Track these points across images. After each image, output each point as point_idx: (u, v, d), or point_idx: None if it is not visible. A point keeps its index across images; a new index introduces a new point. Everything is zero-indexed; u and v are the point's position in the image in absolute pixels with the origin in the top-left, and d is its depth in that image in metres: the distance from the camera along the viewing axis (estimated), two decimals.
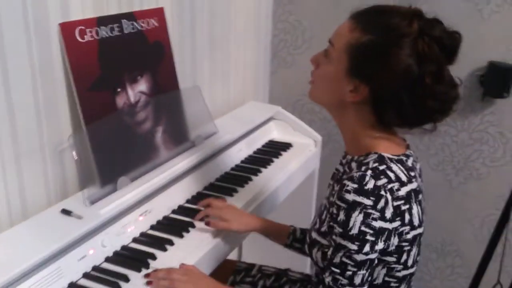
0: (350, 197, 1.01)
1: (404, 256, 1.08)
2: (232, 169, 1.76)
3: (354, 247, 1.01)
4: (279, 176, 1.74)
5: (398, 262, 1.08)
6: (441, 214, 2.28)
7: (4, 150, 1.17)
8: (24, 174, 1.22)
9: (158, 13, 1.58)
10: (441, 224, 2.29)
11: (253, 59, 2.26)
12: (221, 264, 1.50)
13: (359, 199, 1.00)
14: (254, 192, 1.61)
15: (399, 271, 1.09)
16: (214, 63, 1.96)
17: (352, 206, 1.01)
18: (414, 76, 1.02)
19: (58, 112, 1.29)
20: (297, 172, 1.85)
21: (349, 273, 1.03)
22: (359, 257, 1.02)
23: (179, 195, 1.51)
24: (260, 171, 1.75)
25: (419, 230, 1.08)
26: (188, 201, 1.52)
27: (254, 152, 1.91)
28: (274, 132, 2.10)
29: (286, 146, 1.98)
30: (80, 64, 1.30)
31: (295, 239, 1.42)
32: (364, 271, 1.03)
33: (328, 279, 1.05)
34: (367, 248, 1.01)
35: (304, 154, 1.96)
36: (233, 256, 2.48)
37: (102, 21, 1.36)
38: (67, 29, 1.26)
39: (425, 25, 1.03)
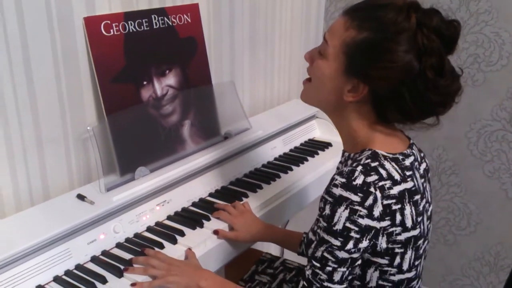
0: (337, 191, 0.99)
1: (397, 259, 1.03)
2: (263, 165, 1.75)
3: (337, 242, 0.99)
4: (309, 176, 1.71)
5: (391, 265, 1.03)
6: (495, 226, 2.13)
7: (26, 136, 1.25)
8: (46, 159, 1.30)
9: (192, 9, 1.61)
10: (495, 236, 2.13)
11: (301, 57, 2.23)
12: (246, 253, 1.51)
13: (346, 194, 0.98)
14: (279, 190, 1.59)
15: (393, 274, 1.05)
16: (255, 59, 1.96)
17: (338, 201, 0.98)
18: (415, 71, 0.98)
19: (83, 102, 1.36)
20: (331, 173, 1.80)
21: (329, 268, 1.01)
22: (341, 254, 0.99)
23: (201, 188, 1.53)
24: (291, 169, 1.73)
25: (413, 232, 1.03)
26: (210, 195, 1.54)
27: (290, 150, 1.89)
28: (317, 131, 2.07)
29: (325, 145, 1.94)
30: (104, 57, 1.36)
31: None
32: (345, 269, 1.00)
33: (308, 272, 1.04)
34: (350, 245, 0.99)
35: None
36: (274, 253, 2.47)
37: (129, 16, 1.41)
38: (91, 23, 1.32)
39: (422, 17, 0.98)
